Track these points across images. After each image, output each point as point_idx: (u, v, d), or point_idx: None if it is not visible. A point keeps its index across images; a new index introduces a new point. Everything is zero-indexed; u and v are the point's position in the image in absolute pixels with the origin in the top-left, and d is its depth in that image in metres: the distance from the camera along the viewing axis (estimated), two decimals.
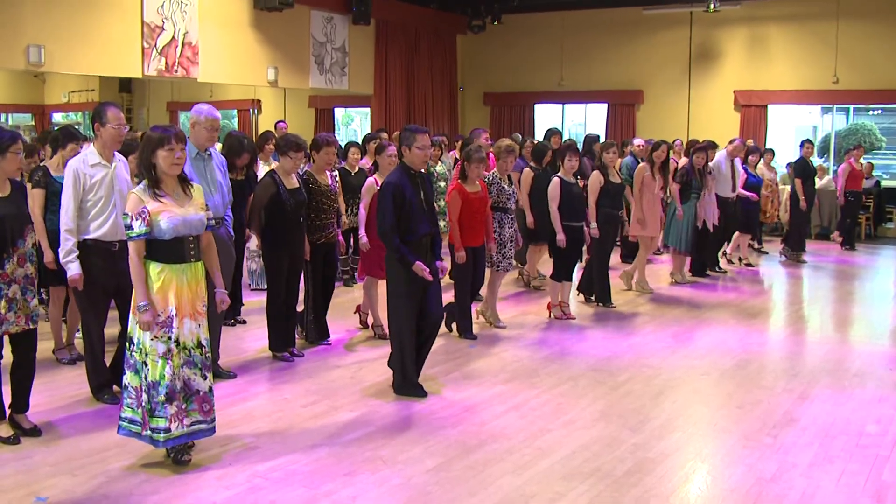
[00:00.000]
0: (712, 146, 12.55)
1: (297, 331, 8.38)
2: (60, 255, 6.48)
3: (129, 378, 5.40)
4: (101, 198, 6.44)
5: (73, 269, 6.40)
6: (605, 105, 20.91)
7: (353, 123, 25.26)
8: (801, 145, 14.51)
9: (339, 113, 23.80)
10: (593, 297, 10.70)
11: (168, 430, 5.28)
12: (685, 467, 5.71)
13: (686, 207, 11.74)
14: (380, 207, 6.89)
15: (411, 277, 6.82)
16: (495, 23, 20.90)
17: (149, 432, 5.32)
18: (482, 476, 5.46)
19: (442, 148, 12.78)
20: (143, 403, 5.30)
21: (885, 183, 17.90)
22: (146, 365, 5.28)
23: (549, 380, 7.62)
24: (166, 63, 14.40)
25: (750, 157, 13.78)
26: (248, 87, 19.38)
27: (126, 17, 13.83)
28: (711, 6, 18.20)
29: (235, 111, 22.72)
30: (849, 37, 18.15)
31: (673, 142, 14.66)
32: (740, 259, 13.98)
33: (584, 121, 22.17)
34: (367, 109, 20.82)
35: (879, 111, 21.31)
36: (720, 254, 13.59)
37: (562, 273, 9.80)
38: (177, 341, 5.29)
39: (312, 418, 6.46)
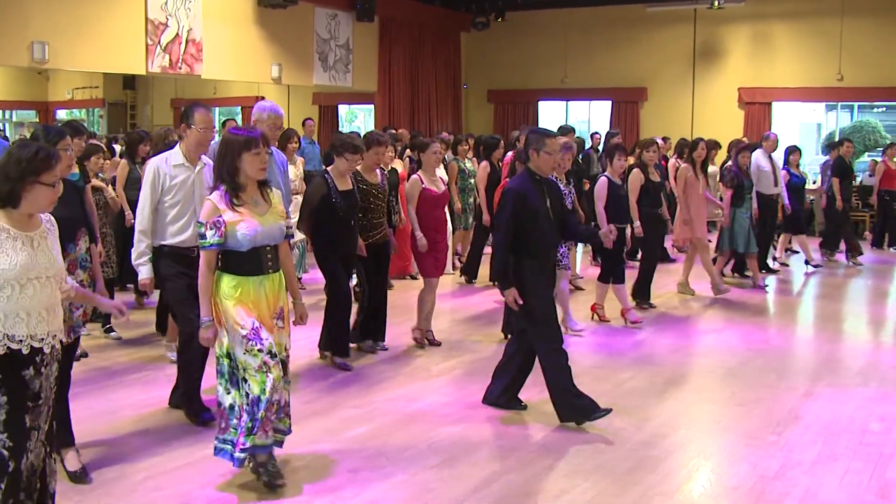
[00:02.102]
0: (749, 147, 12.18)
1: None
2: (132, 257, 6.17)
3: (235, 397, 5.03)
4: (179, 201, 6.09)
5: (144, 273, 6.14)
6: (609, 102, 20.90)
7: (357, 120, 25.26)
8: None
9: (343, 110, 23.81)
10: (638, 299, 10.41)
11: (265, 446, 5.08)
12: (688, 465, 5.71)
13: (743, 210, 11.42)
14: (497, 216, 6.45)
15: (542, 295, 6.30)
16: (499, 20, 20.88)
17: (240, 454, 4.98)
18: (485, 473, 5.46)
19: (469, 144, 12.86)
20: (245, 423, 4.96)
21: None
22: (246, 381, 4.95)
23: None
24: (170, 60, 14.40)
25: (791, 157, 13.36)
26: (251, 83, 19.40)
27: (130, 14, 13.83)
28: (715, 3, 18.16)
29: (239, 108, 22.74)
30: (853, 34, 18.11)
31: (664, 139, 14.60)
32: (774, 259, 13.73)
33: (588, 118, 22.16)
34: (371, 106, 20.83)
35: (884, 108, 21.25)
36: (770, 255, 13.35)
37: (609, 275, 9.55)
38: (270, 352, 4.93)
39: (315, 415, 6.47)
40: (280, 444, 5.26)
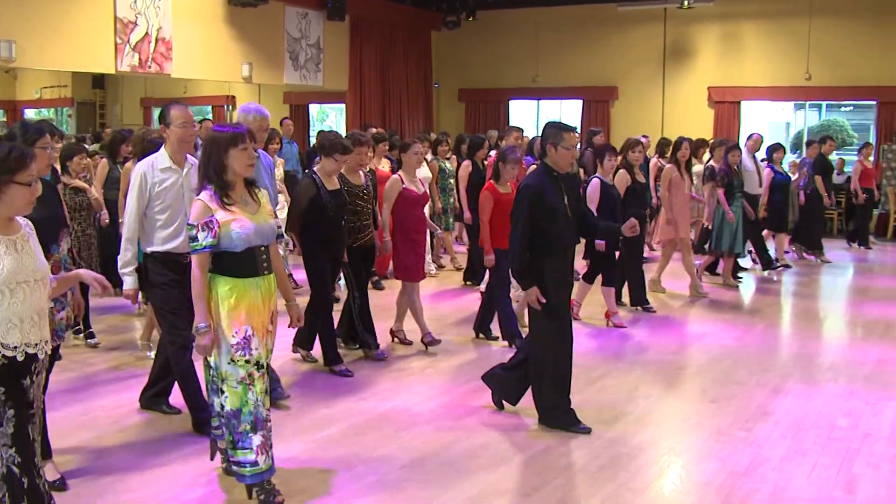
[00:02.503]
0: (738, 146, 12.11)
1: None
2: (119, 265, 5.93)
3: (217, 404, 4.90)
4: (170, 206, 5.86)
5: (129, 283, 5.90)
6: (580, 101, 20.94)
7: (329, 120, 25.19)
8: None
9: (314, 109, 23.75)
10: (628, 302, 10.37)
11: (255, 463, 4.80)
12: (659, 462, 5.74)
13: (732, 209, 11.36)
14: (513, 214, 6.17)
15: (561, 296, 6.15)
16: (470, 19, 20.89)
17: (234, 467, 4.86)
18: (457, 472, 5.47)
19: (436, 147, 12.76)
20: (224, 435, 4.87)
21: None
22: (223, 392, 4.79)
23: None
24: (140, 59, 14.29)
25: (775, 155, 13.31)
26: (222, 83, 19.31)
27: (98, 13, 13.70)
28: (685, 3, 18.24)
29: (210, 107, 22.62)
30: (821, 34, 18.27)
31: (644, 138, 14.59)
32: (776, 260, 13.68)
33: (560, 117, 22.19)
34: (342, 106, 20.77)
35: (851, 107, 21.49)
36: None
37: (595, 275, 9.49)
38: (257, 364, 4.79)
39: (287, 415, 6.44)
40: None
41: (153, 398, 6.45)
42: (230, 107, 21.13)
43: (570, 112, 21.62)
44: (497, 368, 6.69)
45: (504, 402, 6.63)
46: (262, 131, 6.52)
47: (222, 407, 4.80)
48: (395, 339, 8.57)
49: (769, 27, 18.94)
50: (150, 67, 14.52)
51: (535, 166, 10.71)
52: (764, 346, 8.87)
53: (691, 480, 5.47)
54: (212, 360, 4.81)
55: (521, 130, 11.70)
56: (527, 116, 21.83)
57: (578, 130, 11.53)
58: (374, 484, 5.25)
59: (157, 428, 6.16)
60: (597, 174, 9.43)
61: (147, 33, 14.36)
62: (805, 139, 19.00)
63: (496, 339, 8.70)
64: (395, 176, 8.39)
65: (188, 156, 6.02)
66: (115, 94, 24.70)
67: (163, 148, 6.02)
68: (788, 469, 5.59)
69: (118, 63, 14.03)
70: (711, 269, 12.41)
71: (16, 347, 3.74)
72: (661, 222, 11.20)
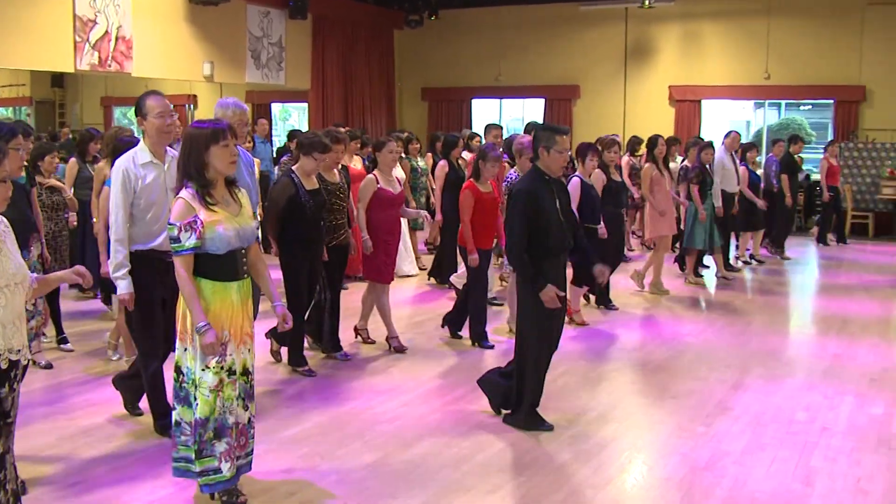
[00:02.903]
0: (711, 144, 12.12)
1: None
2: (110, 269, 5.65)
3: (181, 412, 4.73)
4: (154, 202, 5.61)
5: (124, 287, 5.58)
6: (543, 100, 21.03)
7: (291, 119, 25.11)
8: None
9: (277, 108, 23.66)
10: (593, 301, 10.39)
11: (219, 470, 4.69)
12: (621, 457, 5.79)
13: (704, 207, 11.39)
14: (508, 219, 6.09)
15: (540, 300, 5.98)
16: (432, 18, 20.89)
17: (199, 477, 4.74)
18: (420, 470, 5.48)
19: (407, 146, 12.59)
20: (189, 443, 4.73)
21: (814, 176, 18.22)
22: (195, 400, 4.65)
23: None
24: (99, 57, 14.16)
25: (749, 154, 13.36)
26: (183, 82, 19.19)
27: (57, 11, 13.55)
28: (646, 2, 18.39)
29: (171, 107, 22.42)
30: (780, 33, 18.47)
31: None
32: (752, 257, 13.90)
33: (522, 116, 22.28)
34: (305, 104, 20.71)
35: (810, 106, 21.75)
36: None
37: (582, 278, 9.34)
38: (230, 370, 4.67)
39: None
40: (240, 470, 4.91)
41: (125, 381, 6.26)
42: (192, 106, 21.00)
43: (532, 111, 21.71)
44: (493, 374, 6.60)
45: (501, 408, 6.49)
46: (241, 126, 6.34)
47: (193, 415, 4.66)
48: (359, 338, 8.56)
49: (729, 27, 19.12)
50: (110, 66, 14.39)
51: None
52: (724, 342, 8.95)
53: (653, 475, 5.53)
54: (187, 364, 4.67)
55: (501, 128, 11.57)
56: (489, 115, 21.86)
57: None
58: (336, 483, 5.25)
59: (118, 432, 6.11)
60: (577, 173, 9.33)
61: (107, 32, 14.24)
62: (765, 137, 19.25)
63: (460, 337, 8.70)
64: (371, 175, 8.27)
65: (168, 148, 5.77)
66: (74, 93, 24.48)
67: (141, 142, 5.75)
68: (748, 463, 5.65)
69: (77, 62, 13.89)
70: (686, 265, 12.40)
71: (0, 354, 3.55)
72: (649, 221, 11.13)
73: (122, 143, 6.98)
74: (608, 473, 5.49)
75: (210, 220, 4.58)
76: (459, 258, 9.39)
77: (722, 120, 21.01)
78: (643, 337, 9.12)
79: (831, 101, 18.78)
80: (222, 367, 4.64)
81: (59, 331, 8.20)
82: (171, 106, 5.88)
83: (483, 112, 22.12)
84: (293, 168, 7.43)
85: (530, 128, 11.67)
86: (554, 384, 7.29)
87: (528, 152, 8.70)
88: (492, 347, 8.40)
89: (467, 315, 8.64)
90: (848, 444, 6.01)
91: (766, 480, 5.39)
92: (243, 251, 4.74)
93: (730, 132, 13.07)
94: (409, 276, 12.03)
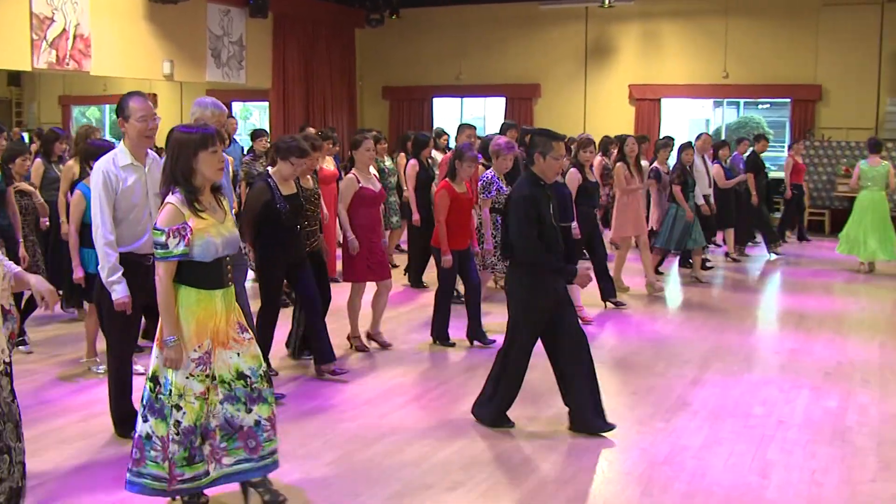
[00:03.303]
0: (690, 144, 12.08)
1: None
2: (103, 275, 5.46)
3: (154, 426, 4.51)
4: (136, 205, 5.56)
5: (120, 292, 5.41)
6: (503, 99, 21.10)
7: (252, 118, 25.01)
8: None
9: (237, 107, 23.54)
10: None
11: (207, 472, 4.58)
12: (581, 453, 5.84)
13: (681, 209, 11.44)
14: (513, 224, 5.97)
15: (541, 308, 6.02)
16: (393, 17, 20.89)
17: (181, 485, 4.53)
18: (382, 468, 5.50)
19: (386, 143, 12.46)
20: (173, 454, 4.49)
21: (772, 174, 18.46)
22: (179, 409, 4.48)
23: (446, 371, 7.72)
24: (57, 56, 14.03)
25: (721, 152, 13.39)
26: (143, 80, 18.98)
27: (14, 8, 13.40)
28: (606, 2, 18.49)
29: (154, 109, 22.24)
30: (737, 33, 18.68)
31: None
32: (727, 254, 14.05)
33: (484, 115, 22.36)
34: (266, 103, 20.63)
35: (768, 105, 22.00)
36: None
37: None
38: (212, 376, 4.56)
39: None
40: (249, 473, 4.76)
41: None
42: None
43: (493, 110, 21.80)
44: (483, 401, 6.38)
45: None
46: (219, 127, 6.11)
47: (177, 424, 4.46)
48: (373, 343, 8.40)
49: (688, 26, 19.31)
50: (68, 65, 14.25)
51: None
52: (683, 338, 9.05)
53: (613, 470, 5.59)
54: (167, 374, 4.50)
55: (475, 128, 11.44)
56: (450, 114, 21.92)
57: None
58: (299, 481, 5.26)
59: (81, 434, 6.08)
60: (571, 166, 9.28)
61: (65, 30, 14.10)
62: (723, 136, 19.45)
63: (452, 345, 8.52)
64: (350, 175, 8.07)
65: (149, 150, 5.73)
66: (31, 91, 24.21)
67: (121, 144, 5.64)
68: (706, 457, 5.74)
69: (34, 60, 13.75)
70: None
71: None
72: (615, 221, 11.10)
73: (93, 147, 6.89)
74: (569, 469, 5.55)
75: (199, 227, 4.49)
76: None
77: (681, 119, 21.21)
78: (602, 334, 9.19)
79: (788, 100, 19.01)
80: (207, 375, 4.52)
81: (21, 332, 8.11)
82: (155, 109, 5.85)
83: (444, 111, 22.17)
84: (270, 172, 7.21)
85: (505, 128, 11.77)
86: None
87: (504, 153, 8.82)
88: (453, 345, 8.43)
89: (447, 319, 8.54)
90: (803, 437, 6.12)
91: (723, 474, 5.47)
92: (227, 259, 4.65)
93: (700, 134, 13.14)
94: None
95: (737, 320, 9.97)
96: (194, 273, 4.52)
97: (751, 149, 14.81)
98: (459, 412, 6.53)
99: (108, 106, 23.65)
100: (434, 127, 17.47)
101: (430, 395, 6.93)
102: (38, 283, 3.90)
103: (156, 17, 15.88)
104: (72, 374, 7.48)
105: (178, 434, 4.47)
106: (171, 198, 4.52)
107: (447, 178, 8.31)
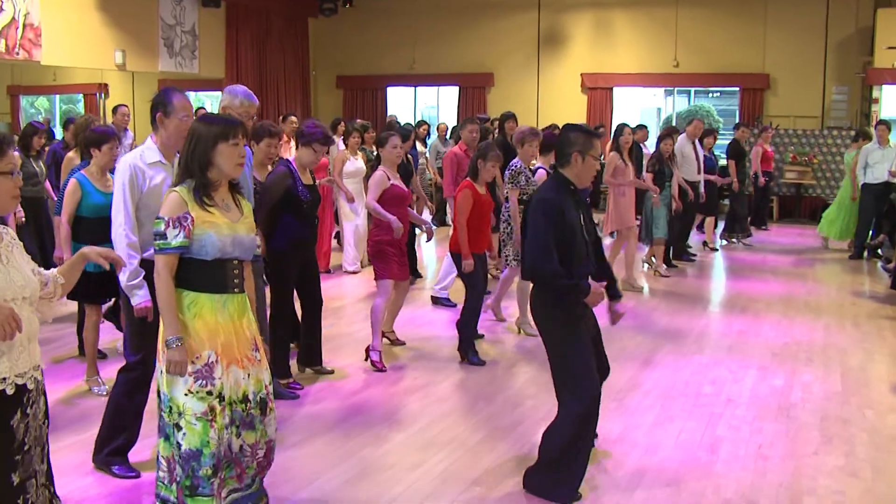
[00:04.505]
0: (675, 131, 11.99)
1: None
2: (122, 279, 4.89)
3: (160, 446, 4.20)
4: (160, 205, 4.99)
5: (141, 297, 4.88)
6: (457, 88, 21.22)
7: (204, 108, 24.79)
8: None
9: (191, 97, 23.36)
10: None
11: None
12: (536, 432, 5.94)
13: (662, 197, 11.24)
14: (531, 230, 4.91)
15: (579, 329, 5.08)
16: (347, 6, 20.88)
17: None
18: (343, 450, 5.61)
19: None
20: (179, 478, 4.11)
21: (722, 162, 18.76)
22: (179, 428, 4.07)
23: (407, 355, 7.82)
24: (6, 45, 13.87)
25: (706, 140, 13.24)
26: (94, 70, 18.83)
27: None
28: None
29: (81, 95, 22.06)
30: (688, 23, 18.97)
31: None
32: (705, 243, 14.11)
33: (437, 103, 22.45)
34: (219, 93, 20.51)
35: (718, 94, 22.35)
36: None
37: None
38: (220, 396, 4.09)
39: None
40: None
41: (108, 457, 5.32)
42: (103, 95, 20.64)
43: (447, 99, 21.90)
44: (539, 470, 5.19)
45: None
46: (247, 120, 5.82)
47: (178, 446, 4.08)
48: (386, 340, 8.06)
49: (639, 15, 19.54)
50: (17, 54, 14.11)
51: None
52: (635, 322, 9.21)
53: None
54: (164, 389, 4.12)
55: (477, 123, 10.98)
56: (404, 103, 21.98)
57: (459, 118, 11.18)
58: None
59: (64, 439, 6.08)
60: (540, 165, 8.95)
61: (14, 18, 13.95)
62: (674, 124, 19.69)
63: (481, 336, 8.30)
64: (380, 171, 7.59)
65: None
66: None
67: (150, 140, 5.15)
68: (657, 434, 5.92)
69: None
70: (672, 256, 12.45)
71: (4, 379, 3.14)
72: (610, 211, 10.92)
73: (96, 133, 6.67)
74: (525, 447, 5.68)
75: (202, 219, 4.11)
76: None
77: (633, 107, 21.47)
78: None
79: (737, 89, 19.33)
80: (210, 393, 4.07)
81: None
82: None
83: (398, 100, 22.23)
84: (291, 159, 6.94)
85: (505, 118, 11.88)
86: (471, 365, 7.48)
87: (530, 139, 8.42)
88: (481, 337, 8.24)
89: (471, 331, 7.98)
90: (750, 414, 6.33)
91: (674, 450, 5.65)
92: (237, 263, 4.23)
93: (692, 119, 13.06)
94: (350, 272, 11.73)
95: (687, 304, 10.18)
96: (191, 272, 4.13)
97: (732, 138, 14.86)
98: (418, 395, 6.65)
99: (57, 96, 23.37)
100: (387, 116, 17.43)
101: (390, 379, 7.02)
102: (91, 253, 3.60)
103: (107, 6, 15.76)
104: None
105: (179, 457, 4.10)
106: (178, 187, 4.19)
107: (469, 178, 7.87)
